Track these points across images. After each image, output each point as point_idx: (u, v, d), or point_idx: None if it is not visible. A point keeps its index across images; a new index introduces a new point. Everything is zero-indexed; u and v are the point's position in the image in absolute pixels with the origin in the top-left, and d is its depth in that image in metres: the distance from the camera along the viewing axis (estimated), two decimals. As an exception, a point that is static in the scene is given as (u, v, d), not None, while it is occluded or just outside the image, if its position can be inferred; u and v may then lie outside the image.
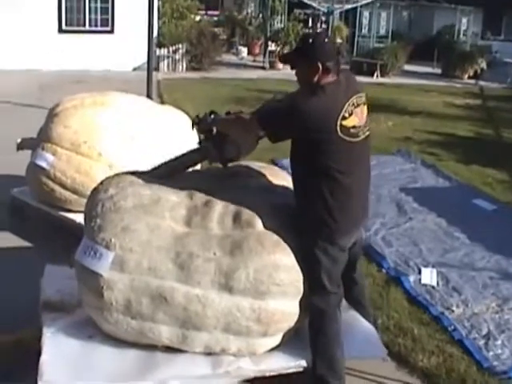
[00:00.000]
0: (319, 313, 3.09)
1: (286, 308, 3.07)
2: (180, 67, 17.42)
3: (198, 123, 3.30)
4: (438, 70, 20.39)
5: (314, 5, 21.91)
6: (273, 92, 12.12)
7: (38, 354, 3.04)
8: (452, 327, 4.00)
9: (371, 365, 3.45)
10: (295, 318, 3.13)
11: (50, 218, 5.23)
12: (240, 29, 22.37)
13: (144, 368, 3.03)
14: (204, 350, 3.09)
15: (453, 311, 4.22)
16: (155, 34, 13.49)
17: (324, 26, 22.56)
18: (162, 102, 11.34)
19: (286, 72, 14.38)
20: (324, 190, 3.00)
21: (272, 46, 19.57)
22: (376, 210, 6.12)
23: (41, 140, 5.15)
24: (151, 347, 3.12)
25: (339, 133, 2.93)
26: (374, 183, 6.93)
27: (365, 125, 3.09)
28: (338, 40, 22.75)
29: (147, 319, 3.02)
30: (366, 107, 3.13)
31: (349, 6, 21.58)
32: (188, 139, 4.60)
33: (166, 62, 17.21)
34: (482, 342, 3.86)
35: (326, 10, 21.51)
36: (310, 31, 21.45)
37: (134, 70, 16.03)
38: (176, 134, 5.39)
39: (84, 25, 16.44)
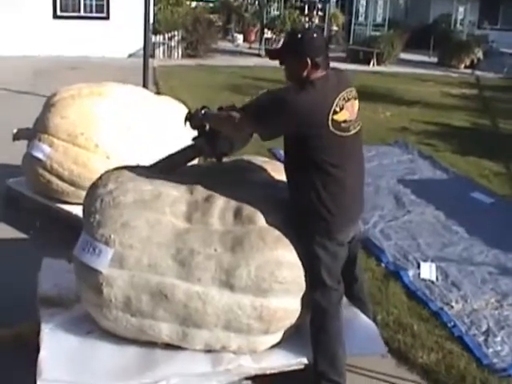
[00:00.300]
0: (321, 311, 3.07)
1: (289, 305, 3.04)
2: (176, 54, 17.32)
3: (190, 119, 3.27)
4: (434, 59, 20.36)
5: (311, -8, 21.84)
6: (268, 80, 12.09)
7: (37, 348, 3.01)
8: (452, 323, 3.99)
9: (371, 361, 3.44)
10: (297, 315, 3.10)
11: (45, 210, 5.18)
12: (236, 16, 22.29)
13: (144, 365, 3.00)
14: (204, 347, 3.06)
15: (452, 307, 4.20)
16: (151, 20, 13.37)
17: (320, 13, 22.46)
18: (158, 90, 11.30)
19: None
20: (316, 182, 2.96)
21: (268, 34, 19.50)
22: (374, 202, 6.11)
23: (37, 131, 5.09)
24: (151, 344, 3.09)
25: (330, 127, 2.90)
26: (375, 173, 7.01)
27: (356, 119, 3.05)
28: (334, 28, 22.71)
29: (147, 316, 2.98)
30: (357, 102, 3.08)
31: (345, -6, 21.52)
32: (184, 130, 4.56)
33: (161, 48, 17.12)
34: (481, 339, 3.85)
35: (322, -3, 21.45)
36: (307, 19, 21.38)
37: (130, 56, 15.93)
38: (172, 125, 5.31)
39: (79, 10, 16.30)
